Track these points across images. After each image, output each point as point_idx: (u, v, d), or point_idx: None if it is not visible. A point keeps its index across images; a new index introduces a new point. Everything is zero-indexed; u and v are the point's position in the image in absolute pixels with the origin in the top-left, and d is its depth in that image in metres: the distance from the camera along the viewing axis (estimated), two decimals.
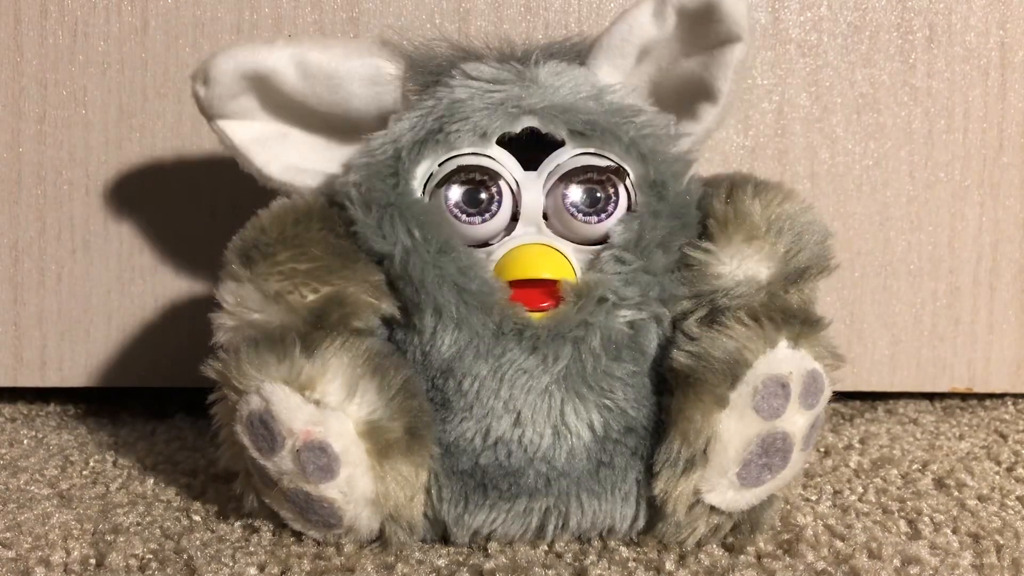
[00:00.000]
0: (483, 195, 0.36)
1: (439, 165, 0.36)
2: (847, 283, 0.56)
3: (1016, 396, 0.59)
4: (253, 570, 0.34)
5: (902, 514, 0.40)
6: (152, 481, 0.44)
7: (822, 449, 0.49)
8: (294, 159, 0.40)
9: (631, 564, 0.35)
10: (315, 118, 0.39)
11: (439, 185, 0.36)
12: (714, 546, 0.36)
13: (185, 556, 0.35)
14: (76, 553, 0.35)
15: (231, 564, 0.34)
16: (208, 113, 0.39)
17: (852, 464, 0.47)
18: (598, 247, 0.36)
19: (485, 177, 0.36)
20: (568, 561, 0.35)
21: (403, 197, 0.36)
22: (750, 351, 0.34)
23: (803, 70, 0.55)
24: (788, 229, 0.36)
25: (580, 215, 0.36)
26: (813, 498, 0.42)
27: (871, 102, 0.55)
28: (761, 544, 0.36)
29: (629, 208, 0.37)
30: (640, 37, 0.38)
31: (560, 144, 0.37)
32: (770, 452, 0.35)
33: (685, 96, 0.40)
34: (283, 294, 0.35)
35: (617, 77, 0.39)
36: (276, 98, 0.39)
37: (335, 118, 0.39)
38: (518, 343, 0.35)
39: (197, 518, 0.39)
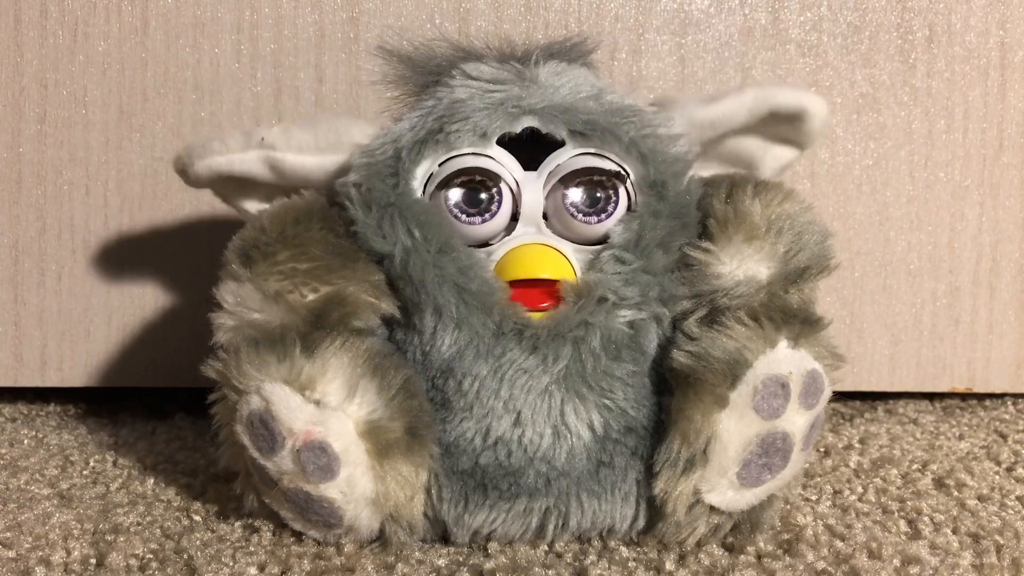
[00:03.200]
0: (483, 195, 0.36)
1: (439, 165, 0.36)
2: (847, 283, 0.56)
3: (1016, 396, 0.59)
4: (253, 570, 0.34)
5: (902, 514, 0.40)
6: (152, 481, 0.44)
7: (822, 449, 0.49)
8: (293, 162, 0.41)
9: (631, 564, 0.35)
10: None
11: (439, 185, 0.36)
12: (714, 546, 0.36)
13: (185, 556, 0.35)
14: (76, 553, 0.35)
15: (231, 564, 0.34)
16: (193, 187, 0.43)
17: (852, 464, 0.47)
18: (598, 247, 0.36)
19: (485, 177, 0.36)
20: (568, 561, 0.35)
21: (403, 197, 0.36)
22: (750, 351, 0.34)
23: (803, 70, 0.55)
24: (788, 229, 0.36)
25: (580, 215, 0.36)
26: (813, 498, 0.42)
27: (871, 102, 0.55)
28: (761, 544, 0.36)
29: (629, 208, 0.37)
30: (727, 126, 0.39)
31: (560, 144, 0.37)
32: (770, 452, 0.35)
33: (727, 161, 0.41)
34: (283, 294, 0.35)
35: (685, 132, 0.39)
36: (252, 182, 0.41)
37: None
38: (518, 343, 0.35)
39: (197, 518, 0.39)
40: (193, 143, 0.41)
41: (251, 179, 0.40)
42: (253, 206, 0.42)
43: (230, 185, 0.41)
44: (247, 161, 0.40)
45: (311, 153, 0.39)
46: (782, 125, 0.40)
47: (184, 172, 0.41)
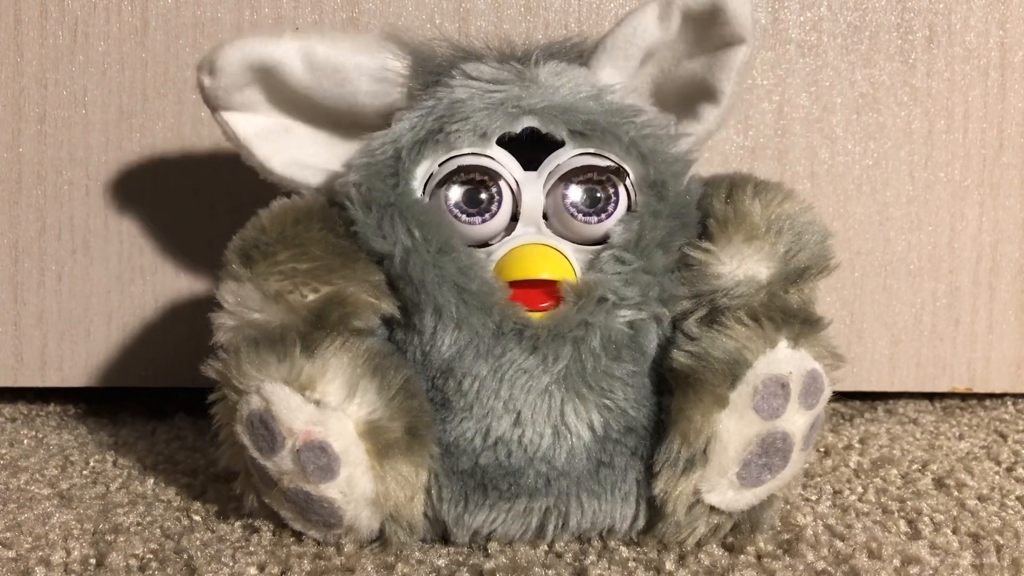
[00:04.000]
0: (483, 195, 0.36)
1: (439, 165, 0.36)
2: (847, 283, 0.56)
3: (1016, 396, 0.59)
4: (253, 570, 0.34)
5: (902, 514, 0.40)
6: (152, 481, 0.44)
7: (822, 449, 0.49)
8: (297, 154, 0.40)
9: (631, 564, 0.35)
10: (320, 113, 0.39)
11: (439, 185, 0.36)
12: (714, 546, 0.36)
13: (185, 556, 0.35)
14: (76, 553, 0.35)
15: (231, 564, 0.34)
16: (212, 104, 0.39)
17: (852, 464, 0.47)
18: (598, 247, 0.36)
19: (485, 177, 0.36)
20: (568, 561, 0.35)
21: (403, 197, 0.36)
22: (750, 351, 0.34)
23: (803, 70, 0.55)
24: (788, 229, 0.36)
25: (580, 215, 0.36)
26: (813, 498, 0.42)
27: (871, 102, 0.55)
28: (761, 544, 0.36)
29: (629, 208, 0.37)
30: (644, 40, 0.38)
31: (560, 144, 0.37)
32: (770, 452, 0.35)
33: (687, 97, 0.40)
34: (283, 294, 0.35)
35: (620, 79, 0.39)
36: (281, 91, 0.39)
37: (340, 113, 0.39)
38: (518, 343, 0.35)
39: (197, 518, 0.39)
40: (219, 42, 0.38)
41: (281, 79, 0.38)
42: (263, 147, 0.39)
43: (250, 96, 0.39)
44: (282, 48, 0.37)
45: (344, 45, 0.38)
46: (708, 29, 0.38)
47: (211, 69, 0.37)
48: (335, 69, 0.38)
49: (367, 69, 0.38)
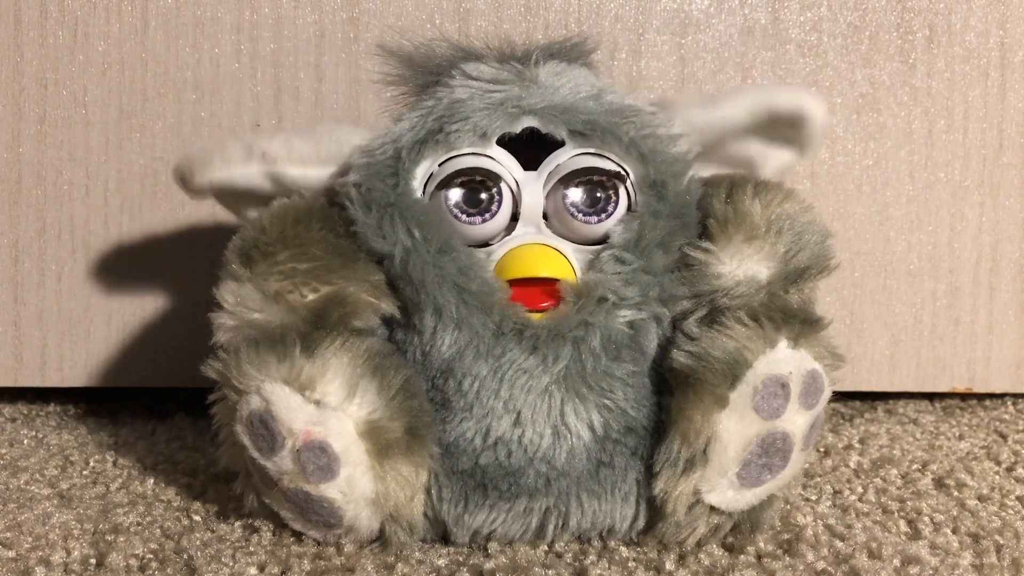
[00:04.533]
0: (483, 195, 0.36)
1: (439, 165, 0.36)
2: (847, 283, 0.56)
3: (1016, 396, 0.59)
4: (253, 570, 0.34)
5: (902, 514, 0.40)
6: (152, 481, 0.44)
7: (822, 449, 0.49)
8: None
9: (631, 564, 0.35)
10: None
11: (439, 185, 0.36)
12: (714, 546, 0.36)
13: (185, 556, 0.35)
14: (76, 553, 0.35)
15: (231, 564, 0.34)
16: (194, 198, 0.43)
17: (852, 464, 0.47)
18: (598, 247, 0.36)
19: (485, 177, 0.36)
20: (568, 561, 0.35)
21: (403, 197, 0.36)
22: (750, 351, 0.34)
23: (803, 70, 0.55)
24: (788, 229, 0.36)
25: (580, 215, 0.36)
26: (813, 498, 0.42)
27: (871, 102, 0.55)
28: (761, 544, 0.36)
29: (629, 208, 0.37)
30: (727, 128, 0.39)
31: (560, 144, 0.37)
32: (770, 452, 0.35)
33: (728, 163, 0.41)
34: (283, 294, 0.35)
35: (689, 143, 0.39)
36: (254, 193, 0.40)
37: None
38: (518, 343, 0.35)
39: (197, 518, 0.39)
40: (192, 153, 0.40)
41: (252, 191, 0.40)
42: (254, 213, 0.41)
43: (231, 196, 0.41)
44: (249, 175, 0.39)
45: (313, 165, 0.39)
46: (781, 127, 0.39)
47: (185, 183, 0.41)
48: (303, 183, 0.39)
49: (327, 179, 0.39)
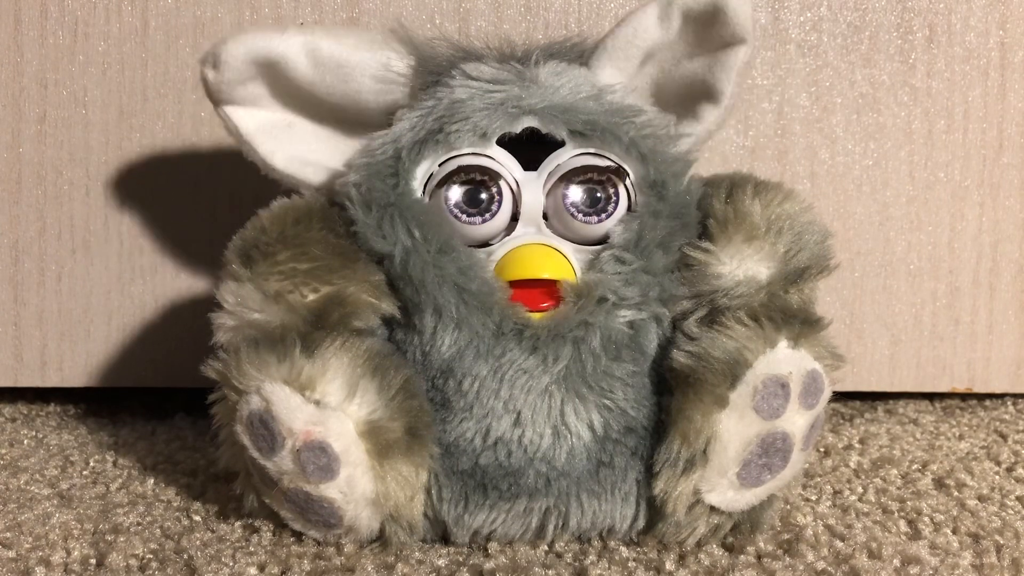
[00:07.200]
0: (483, 195, 0.36)
1: (439, 165, 0.36)
2: (847, 283, 0.56)
3: (1016, 396, 0.59)
4: (253, 570, 0.34)
5: (902, 514, 0.40)
6: (152, 481, 0.44)
7: (822, 449, 0.49)
8: (299, 150, 0.39)
9: (631, 564, 0.35)
10: (323, 109, 0.39)
11: (439, 185, 0.36)
12: (714, 546, 0.36)
13: (185, 556, 0.35)
14: (76, 553, 0.35)
15: (231, 564, 0.34)
16: (216, 98, 0.39)
17: (852, 464, 0.47)
18: (598, 247, 0.36)
19: (485, 177, 0.36)
20: (568, 561, 0.35)
21: (403, 197, 0.36)
22: (750, 351, 0.34)
23: (803, 70, 0.55)
24: (788, 229, 0.36)
25: (580, 215, 0.36)
26: (813, 498, 0.42)
27: (871, 102, 0.55)
28: (761, 544, 0.36)
29: (629, 208, 0.37)
30: (645, 40, 0.38)
31: (560, 144, 0.37)
32: (770, 452, 0.35)
33: (687, 97, 0.40)
34: (283, 294, 0.35)
35: (620, 79, 0.39)
36: (285, 86, 0.39)
37: (343, 110, 0.39)
38: (518, 343, 0.35)
39: (197, 518, 0.39)
40: (222, 37, 0.38)
41: (285, 74, 0.38)
42: (265, 143, 0.39)
43: (254, 91, 0.38)
44: (287, 43, 0.37)
45: (348, 42, 0.38)
46: (709, 29, 0.38)
47: (215, 63, 0.37)
48: (339, 65, 0.38)
49: (371, 67, 0.38)
